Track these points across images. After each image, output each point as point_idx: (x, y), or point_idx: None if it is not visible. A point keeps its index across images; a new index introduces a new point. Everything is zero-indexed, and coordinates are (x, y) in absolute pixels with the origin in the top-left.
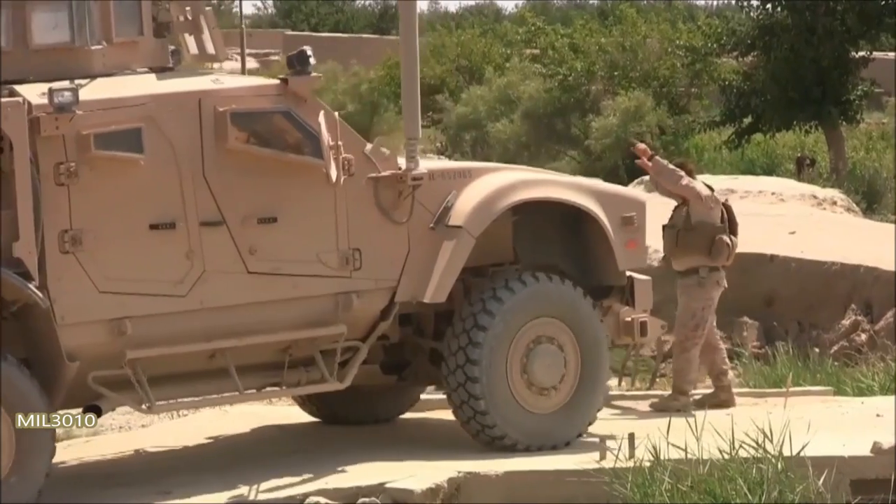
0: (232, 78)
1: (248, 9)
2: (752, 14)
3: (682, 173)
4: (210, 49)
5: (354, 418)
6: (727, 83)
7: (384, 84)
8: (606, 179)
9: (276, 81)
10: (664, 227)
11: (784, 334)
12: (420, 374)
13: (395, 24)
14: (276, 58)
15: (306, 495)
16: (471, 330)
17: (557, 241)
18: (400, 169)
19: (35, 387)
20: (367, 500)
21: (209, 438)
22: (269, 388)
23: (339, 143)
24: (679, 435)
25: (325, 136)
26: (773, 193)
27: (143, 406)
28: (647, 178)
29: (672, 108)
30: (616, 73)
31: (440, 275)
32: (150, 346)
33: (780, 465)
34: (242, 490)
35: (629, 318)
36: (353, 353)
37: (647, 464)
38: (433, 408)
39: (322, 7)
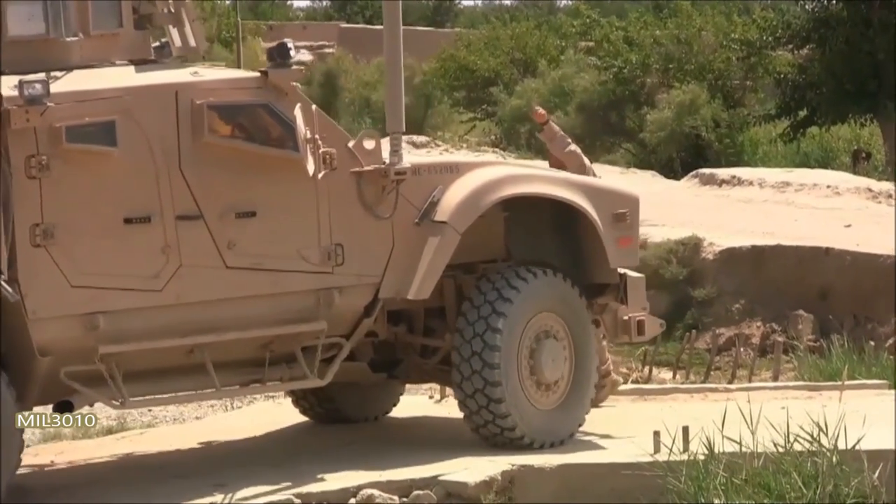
0: (212, 71)
1: (303, 1)
2: (807, 7)
3: (570, 141)
4: (192, 42)
5: (347, 416)
6: (782, 76)
7: (438, 77)
8: (661, 172)
9: (257, 74)
10: None
11: (839, 327)
12: (412, 372)
13: (450, 16)
14: (330, 50)
15: (360, 487)
16: (484, 333)
17: (551, 238)
18: (384, 163)
19: (5, 382)
20: (420, 492)
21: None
22: (251, 385)
23: (317, 136)
24: (733, 428)
25: (302, 130)
26: (828, 187)
27: (116, 402)
28: (702, 171)
29: (727, 101)
30: (671, 66)
31: (424, 271)
32: (124, 342)
33: (834, 459)
34: (296, 482)
35: (626, 317)
36: (338, 350)
37: (702, 457)
38: None
39: None
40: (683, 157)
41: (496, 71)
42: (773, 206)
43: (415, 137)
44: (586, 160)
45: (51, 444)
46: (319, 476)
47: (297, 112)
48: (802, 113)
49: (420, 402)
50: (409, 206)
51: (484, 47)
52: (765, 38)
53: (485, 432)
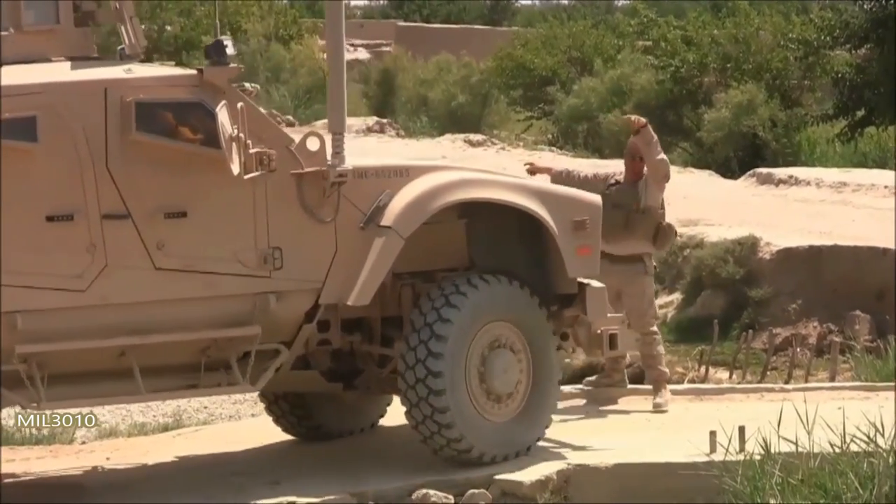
0: (147, 68)
1: (360, 0)
2: (865, 6)
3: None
4: (133, 40)
5: (330, 431)
6: (840, 76)
7: (495, 75)
8: (718, 171)
9: (192, 72)
10: (605, 205)
11: None
12: (372, 382)
13: (508, 15)
14: (387, 48)
15: (415, 486)
16: (429, 341)
17: (517, 247)
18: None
19: None
20: (476, 491)
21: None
22: (187, 390)
23: (242, 135)
24: (790, 428)
25: (228, 128)
26: (885, 187)
27: (33, 404)
28: (759, 170)
29: (784, 100)
30: (728, 66)
31: (365, 277)
32: (44, 342)
33: (891, 460)
34: (351, 480)
35: (599, 330)
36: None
37: (758, 457)
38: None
39: None
40: (741, 156)
41: (553, 70)
42: (831, 206)
43: (471, 136)
44: None
45: (106, 441)
46: (374, 474)
47: (222, 110)
48: (860, 113)
49: None
50: (353, 210)
51: (541, 46)
52: (823, 37)
53: (432, 444)
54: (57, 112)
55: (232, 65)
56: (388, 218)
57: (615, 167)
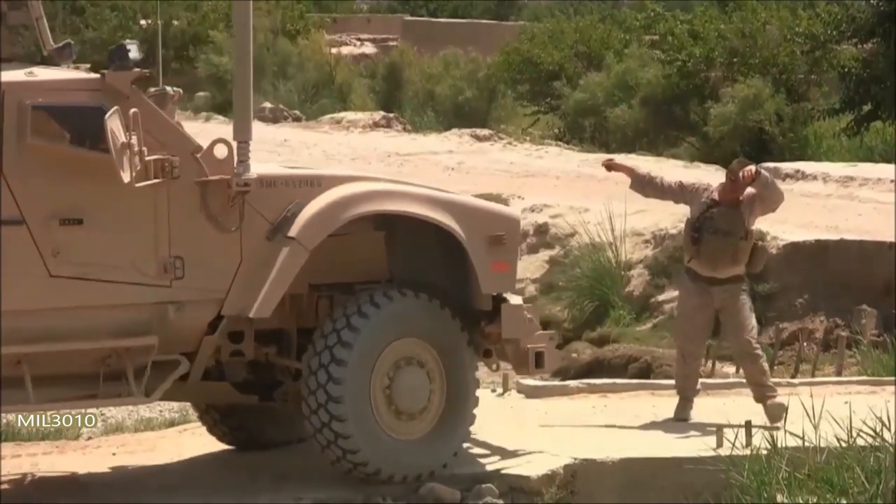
0: (48, 71)
1: None
2: (871, 1)
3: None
4: (41, 40)
5: (265, 441)
6: (846, 70)
7: (502, 70)
8: (725, 166)
9: (95, 76)
10: (708, 230)
11: None
12: (290, 396)
13: (514, 10)
14: (394, 43)
15: (423, 482)
16: (334, 347)
17: (437, 261)
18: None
19: None
20: (483, 486)
21: None
22: (85, 400)
23: (133, 140)
24: (796, 423)
25: (119, 134)
26: (892, 181)
27: None
28: (766, 165)
29: (791, 95)
30: (735, 60)
31: (267, 289)
32: None
33: None
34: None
35: (526, 348)
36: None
37: (764, 452)
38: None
39: None
40: (747, 151)
41: (560, 64)
42: (837, 201)
43: (478, 131)
44: None
45: (112, 437)
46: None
47: (112, 116)
48: (867, 107)
49: (482, 397)
50: (260, 220)
51: (548, 41)
52: (829, 32)
53: (339, 467)
54: None
55: (136, 69)
56: (293, 229)
57: (680, 173)
